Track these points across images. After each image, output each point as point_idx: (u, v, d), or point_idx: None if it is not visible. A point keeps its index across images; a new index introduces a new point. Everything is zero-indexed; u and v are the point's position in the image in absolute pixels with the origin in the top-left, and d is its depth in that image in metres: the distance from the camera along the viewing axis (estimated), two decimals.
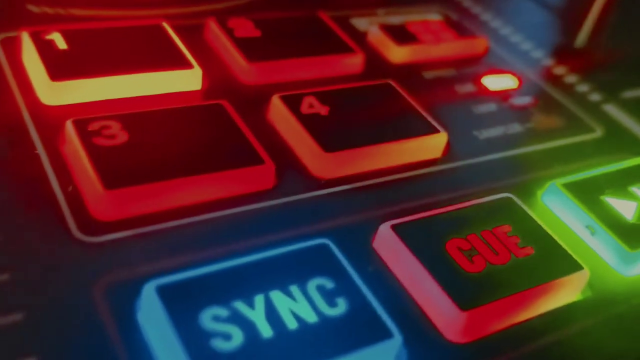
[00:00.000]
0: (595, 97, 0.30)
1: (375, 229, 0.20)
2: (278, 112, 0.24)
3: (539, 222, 0.22)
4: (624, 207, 0.23)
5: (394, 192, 0.22)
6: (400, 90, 0.26)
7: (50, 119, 0.22)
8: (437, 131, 0.24)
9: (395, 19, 0.32)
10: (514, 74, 0.30)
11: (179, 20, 0.28)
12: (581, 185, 0.24)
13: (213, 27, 0.27)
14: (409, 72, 0.29)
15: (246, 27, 0.27)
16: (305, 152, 0.23)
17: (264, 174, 0.21)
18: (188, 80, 0.24)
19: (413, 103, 0.26)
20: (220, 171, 0.20)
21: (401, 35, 0.30)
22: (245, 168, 0.21)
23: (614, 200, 0.23)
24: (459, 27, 0.31)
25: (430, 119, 0.25)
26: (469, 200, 0.22)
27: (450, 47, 0.30)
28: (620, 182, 0.24)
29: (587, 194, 0.23)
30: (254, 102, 0.25)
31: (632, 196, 0.24)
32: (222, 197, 0.20)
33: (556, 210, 0.23)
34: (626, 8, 0.32)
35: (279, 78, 0.26)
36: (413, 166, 0.24)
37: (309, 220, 0.21)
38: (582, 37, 0.33)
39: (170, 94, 0.24)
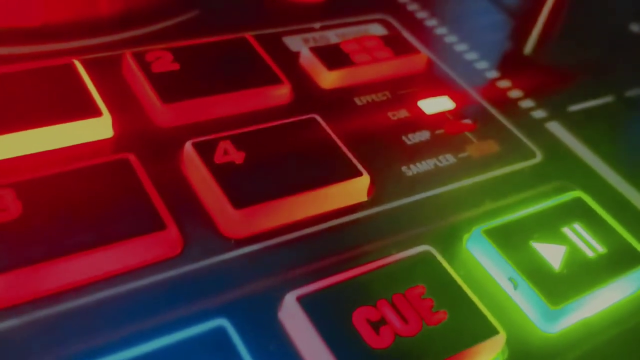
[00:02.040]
0: (539, 113, 0.29)
1: (283, 296, 0.20)
2: (191, 161, 0.23)
3: (457, 279, 0.21)
4: (551, 253, 0.22)
5: (309, 249, 0.22)
6: (325, 126, 0.25)
7: None
8: (360, 174, 0.23)
9: (331, 34, 0.31)
10: (453, 94, 0.29)
11: (98, 51, 0.27)
12: (507, 230, 0.23)
13: (129, 61, 0.26)
14: (340, 99, 0.27)
15: (164, 60, 0.26)
16: (216, 208, 0.22)
17: (166, 241, 0.20)
18: (97, 129, 0.23)
19: (337, 140, 0.24)
20: (115, 242, 0.19)
21: (333, 57, 0.28)
22: (145, 236, 0.20)
23: (541, 246, 0.22)
24: (398, 43, 0.30)
25: (354, 159, 0.24)
26: (387, 255, 0.21)
27: (386, 67, 0.29)
28: (551, 223, 0.23)
29: (513, 240, 0.22)
30: (168, 149, 0.24)
31: (562, 239, 0.23)
32: (119, 272, 0.20)
33: (481, 259, 0.22)
34: (574, 16, 0.30)
35: (198, 117, 0.25)
36: (333, 214, 0.23)
37: (213, 291, 0.20)
38: (530, 44, 0.32)
39: (77, 145, 0.23)
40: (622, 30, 0.34)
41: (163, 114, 0.24)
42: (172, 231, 0.20)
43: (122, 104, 0.25)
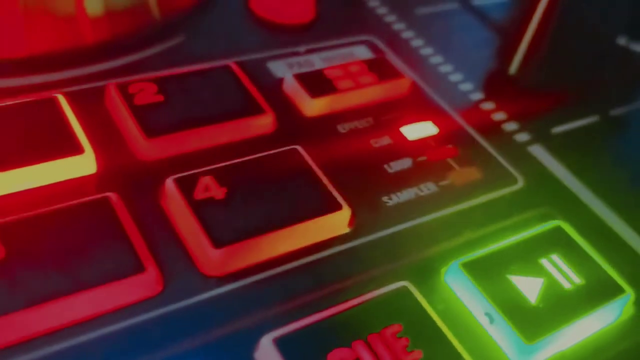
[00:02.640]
0: (522, 137, 0.29)
1: (260, 336, 0.20)
2: (171, 197, 0.23)
3: (434, 316, 0.21)
4: (528, 287, 0.22)
5: (288, 286, 0.22)
6: (307, 156, 0.25)
7: None
8: (340, 207, 0.24)
9: (316, 58, 0.31)
10: (436, 118, 0.29)
11: (83, 82, 0.27)
12: (485, 263, 0.23)
13: (112, 93, 0.26)
14: (324, 127, 0.28)
15: (148, 92, 0.26)
16: (196, 246, 0.22)
17: (145, 283, 0.21)
18: (79, 166, 0.24)
19: (318, 172, 0.25)
20: (94, 286, 0.20)
21: (317, 84, 0.28)
22: (123, 279, 0.20)
23: (519, 279, 0.23)
24: (382, 68, 0.30)
25: (334, 191, 0.24)
26: (365, 291, 0.22)
27: (369, 93, 0.29)
28: (529, 254, 0.24)
29: (490, 273, 0.23)
30: (151, 184, 0.24)
31: (539, 271, 0.23)
32: (98, 315, 0.20)
33: (459, 293, 0.23)
34: (559, 36, 0.30)
35: (182, 150, 0.25)
36: (314, 248, 0.23)
37: (192, 332, 0.20)
38: (515, 64, 0.32)
39: (60, 182, 0.23)
40: (610, 44, 0.34)
41: (146, 148, 0.25)
42: (151, 272, 0.21)
43: (106, 138, 0.25)
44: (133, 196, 0.23)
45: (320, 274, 0.22)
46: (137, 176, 0.24)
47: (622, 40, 0.38)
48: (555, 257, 0.24)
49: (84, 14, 0.28)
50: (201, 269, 0.22)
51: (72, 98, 0.26)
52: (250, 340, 0.20)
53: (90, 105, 0.26)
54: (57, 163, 0.23)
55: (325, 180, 0.24)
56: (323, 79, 0.29)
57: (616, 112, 0.32)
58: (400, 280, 0.22)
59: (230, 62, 0.29)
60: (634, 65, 0.37)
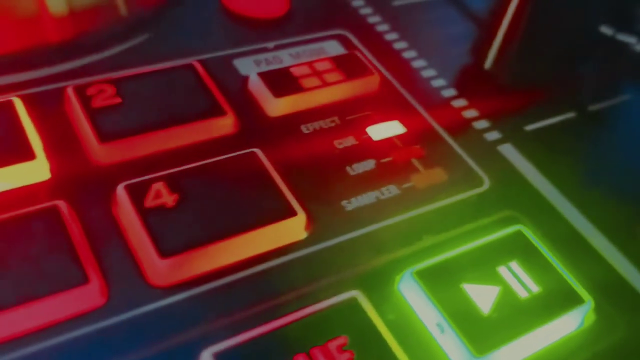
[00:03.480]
0: (493, 135, 0.29)
1: (201, 351, 0.20)
2: (122, 205, 0.23)
3: (381, 328, 0.21)
4: (483, 296, 0.22)
5: (236, 296, 0.21)
6: (266, 160, 0.25)
7: None
8: (294, 214, 0.23)
9: (285, 55, 0.30)
10: (404, 117, 0.28)
11: (44, 83, 0.27)
12: (439, 271, 0.22)
13: (70, 96, 0.26)
14: (287, 128, 0.27)
15: (106, 94, 0.26)
16: (144, 256, 0.22)
17: (89, 294, 0.20)
18: (32, 172, 0.23)
19: (275, 177, 0.24)
20: (37, 298, 0.20)
21: (281, 82, 0.28)
22: (66, 291, 0.20)
23: (473, 288, 0.22)
24: (351, 64, 0.29)
25: (291, 196, 0.24)
26: (314, 302, 0.21)
27: (336, 91, 0.28)
28: (487, 261, 0.23)
29: (444, 281, 0.22)
30: (104, 190, 0.24)
31: (495, 279, 0.23)
32: (41, 327, 0.20)
33: (412, 302, 0.22)
34: (536, 27, 0.29)
35: (139, 153, 0.25)
36: (267, 256, 0.23)
37: (134, 345, 0.20)
38: (490, 59, 0.31)
39: (13, 190, 0.23)
40: (592, 36, 0.33)
41: (101, 153, 0.24)
42: (95, 284, 0.20)
43: (63, 143, 0.25)
44: (85, 203, 0.23)
45: (270, 283, 0.22)
46: (90, 182, 0.24)
47: (608, 31, 0.37)
48: (514, 264, 0.23)
49: (47, 13, 0.28)
50: (148, 280, 0.21)
51: (30, 101, 0.26)
52: (191, 355, 0.20)
53: (49, 109, 0.26)
54: (9, 170, 0.23)
55: (282, 184, 0.24)
56: (289, 77, 0.28)
57: (595, 107, 0.32)
58: (352, 289, 0.22)
59: (194, 60, 0.29)
60: (622, 56, 0.36)
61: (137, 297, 0.21)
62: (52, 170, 0.24)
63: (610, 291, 0.24)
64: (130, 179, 0.23)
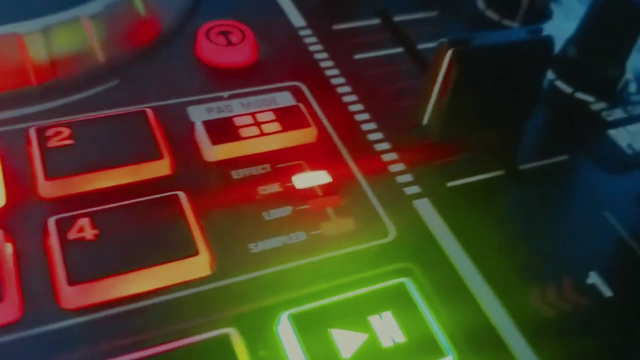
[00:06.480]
0: (413, 189, 0.31)
1: None
2: (50, 236, 0.26)
3: None
4: (349, 342, 0.24)
5: (122, 324, 0.24)
6: (186, 202, 0.28)
7: None
8: (196, 253, 0.26)
9: (236, 104, 0.33)
10: (333, 168, 0.31)
11: (14, 123, 0.31)
12: (314, 315, 0.25)
13: (31, 136, 0.30)
14: (219, 173, 0.30)
15: (62, 135, 0.30)
16: (59, 281, 0.25)
17: (4, 309, 0.24)
18: None
19: (189, 218, 0.27)
20: None
21: (221, 131, 0.31)
22: None
23: (342, 333, 0.24)
24: (291, 116, 0.32)
25: (200, 236, 0.27)
26: (190, 335, 0.24)
27: (272, 141, 0.31)
28: (362, 309, 0.25)
29: (316, 325, 0.24)
30: (41, 222, 0.27)
31: (365, 327, 0.25)
32: None
33: (285, 343, 0.25)
34: (459, 95, 0.31)
35: (80, 189, 0.29)
36: (169, 290, 0.26)
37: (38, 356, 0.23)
38: (427, 115, 0.33)
39: None
40: (528, 97, 0.34)
41: (45, 187, 0.28)
42: (10, 302, 0.24)
43: (18, 177, 0.29)
44: (24, 232, 0.27)
45: (155, 315, 0.25)
46: (33, 214, 0.28)
47: (567, 89, 0.38)
48: (387, 314, 0.25)
49: (29, 59, 0.32)
50: (59, 302, 0.25)
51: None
52: None
53: (14, 146, 0.30)
54: None
55: (195, 226, 0.27)
56: (230, 126, 0.31)
57: (528, 166, 0.33)
58: (230, 326, 0.25)
59: (153, 105, 0.32)
60: (576, 115, 0.37)
61: (46, 316, 0.25)
62: (7, 201, 0.28)
63: (480, 345, 0.25)
64: (66, 213, 0.27)
